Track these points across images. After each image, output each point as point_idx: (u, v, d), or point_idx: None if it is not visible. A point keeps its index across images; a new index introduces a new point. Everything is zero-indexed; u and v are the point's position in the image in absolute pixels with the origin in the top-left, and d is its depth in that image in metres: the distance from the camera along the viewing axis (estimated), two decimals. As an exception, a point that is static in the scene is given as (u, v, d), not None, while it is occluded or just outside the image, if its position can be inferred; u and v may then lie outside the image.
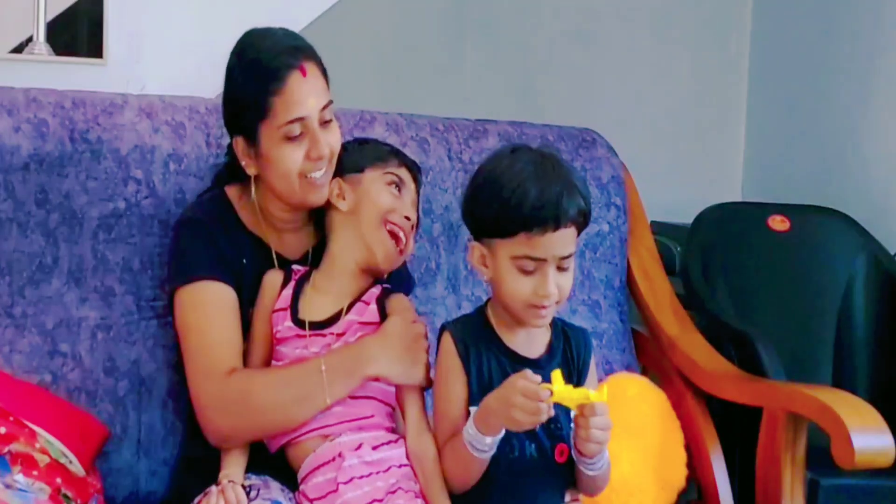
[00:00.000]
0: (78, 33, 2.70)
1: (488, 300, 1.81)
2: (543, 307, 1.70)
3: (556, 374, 1.62)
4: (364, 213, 1.90)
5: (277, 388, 1.82)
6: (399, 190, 1.93)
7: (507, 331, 1.77)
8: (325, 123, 1.89)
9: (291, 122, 1.84)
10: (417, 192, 1.98)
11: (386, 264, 1.90)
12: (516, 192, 1.66)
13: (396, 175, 1.93)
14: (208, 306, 1.88)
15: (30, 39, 2.62)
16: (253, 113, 1.86)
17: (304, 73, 1.85)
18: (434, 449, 1.77)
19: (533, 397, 1.59)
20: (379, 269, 1.91)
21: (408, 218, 1.92)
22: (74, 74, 2.56)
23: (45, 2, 2.61)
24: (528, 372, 1.63)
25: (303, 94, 1.84)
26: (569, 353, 1.80)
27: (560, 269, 1.69)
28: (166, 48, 2.72)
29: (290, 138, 1.85)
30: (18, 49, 2.64)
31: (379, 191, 1.91)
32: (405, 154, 2.00)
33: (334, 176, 1.92)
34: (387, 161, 1.94)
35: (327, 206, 1.93)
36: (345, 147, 1.98)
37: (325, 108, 1.88)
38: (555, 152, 1.75)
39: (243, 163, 1.92)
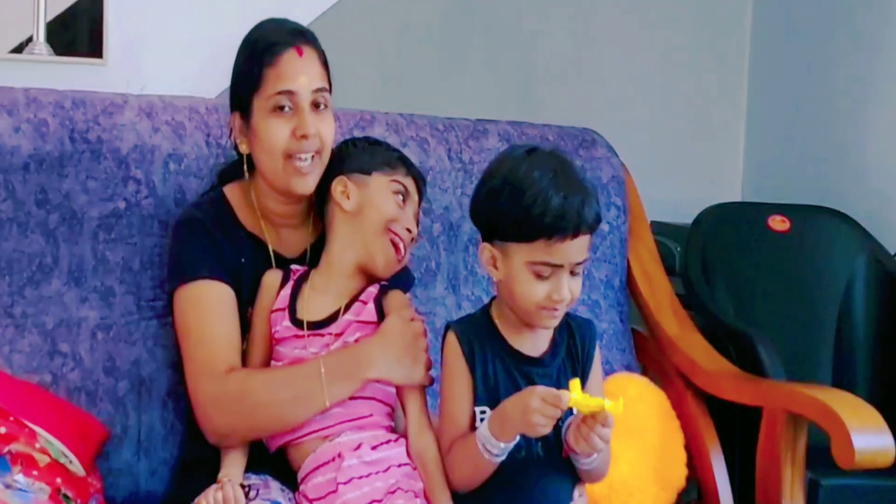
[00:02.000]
0: (78, 33, 2.70)
1: (492, 299, 1.81)
2: (556, 309, 1.71)
3: (575, 383, 1.63)
4: (367, 217, 1.89)
5: (276, 388, 1.82)
6: (404, 200, 1.93)
7: (511, 330, 1.77)
8: (317, 108, 1.90)
9: (280, 93, 1.86)
10: (419, 204, 1.98)
11: (385, 271, 1.90)
12: (538, 199, 1.66)
13: (403, 185, 1.93)
14: (207, 305, 1.88)
15: (30, 39, 2.62)
16: (247, 85, 1.89)
17: (300, 53, 1.88)
18: (435, 447, 1.78)
19: (552, 402, 1.60)
20: (377, 275, 1.91)
21: (409, 230, 1.92)
22: (74, 74, 2.56)
23: (45, 2, 2.61)
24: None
25: (295, 70, 1.87)
26: (572, 347, 1.80)
27: (573, 273, 1.71)
28: (166, 48, 2.72)
29: (277, 110, 1.87)
30: (18, 49, 2.64)
31: (385, 198, 1.91)
32: (413, 164, 2.00)
33: (340, 172, 1.92)
34: (395, 168, 1.94)
35: (329, 202, 1.93)
36: (353, 144, 1.98)
37: (318, 90, 1.89)
38: (567, 156, 1.76)
39: (238, 140, 1.94)
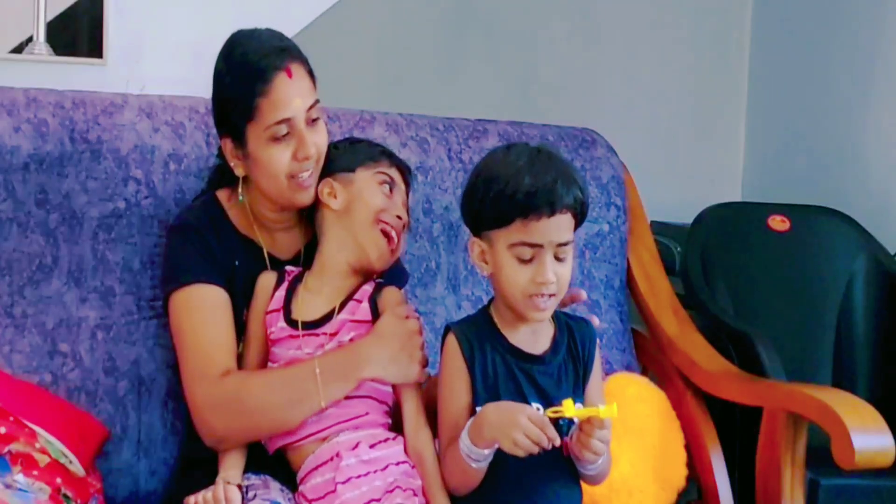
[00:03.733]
0: (78, 33, 2.70)
1: (491, 300, 1.81)
2: (542, 296, 1.70)
3: (568, 403, 1.64)
4: (356, 212, 1.90)
5: (272, 390, 1.82)
6: (391, 190, 1.93)
7: (511, 328, 1.77)
8: (311, 123, 1.89)
9: (278, 122, 1.85)
10: (408, 194, 1.99)
11: (379, 263, 1.90)
12: (511, 180, 1.67)
13: (388, 175, 1.94)
14: (202, 310, 1.88)
15: (30, 39, 2.62)
16: (240, 114, 1.86)
17: (290, 75, 1.85)
18: (431, 446, 1.78)
19: (538, 424, 1.60)
20: (372, 269, 1.90)
21: (399, 217, 1.92)
22: (74, 74, 2.56)
23: (45, 2, 2.61)
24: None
25: (289, 95, 1.85)
26: (573, 348, 1.80)
27: (557, 258, 1.70)
28: (166, 48, 2.72)
29: (276, 139, 1.86)
30: (18, 49, 2.64)
31: (371, 190, 1.91)
32: (396, 155, 2.01)
33: (326, 175, 1.92)
34: (378, 161, 1.95)
35: (318, 205, 1.93)
36: (336, 146, 1.98)
37: (311, 107, 1.89)
38: (551, 147, 1.76)
39: (232, 164, 1.93)
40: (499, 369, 1.75)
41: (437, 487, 1.75)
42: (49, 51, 2.63)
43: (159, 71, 2.70)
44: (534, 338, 1.78)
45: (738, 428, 2.40)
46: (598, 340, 1.83)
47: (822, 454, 1.99)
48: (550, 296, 1.71)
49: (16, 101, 2.08)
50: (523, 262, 1.69)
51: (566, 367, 1.78)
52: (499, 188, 1.68)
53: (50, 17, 2.63)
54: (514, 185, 1.67)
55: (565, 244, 1.70)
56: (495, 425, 1.64)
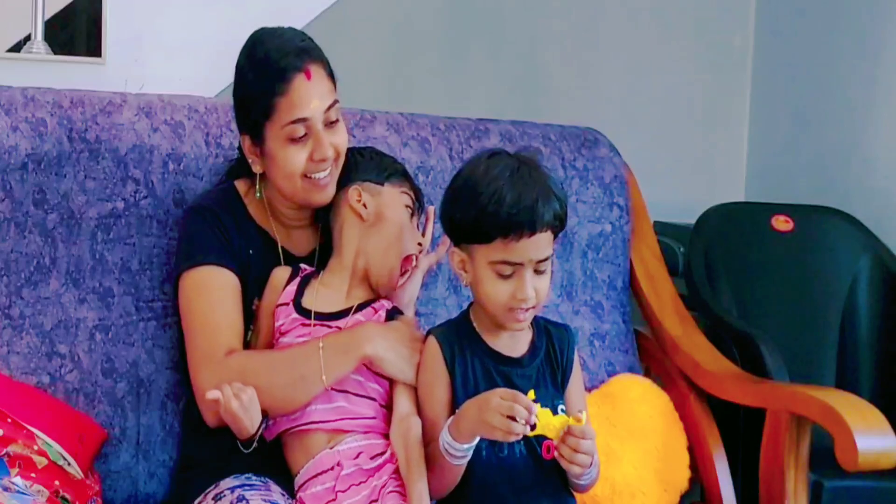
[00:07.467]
0: (76, 32, 2.69)
1: (471, 304, 1.83)
2: (521, 310, 1.71)
3: (542, 412, 1.65)
4: (383, 228, 1.92)
5: (275, 368, 1.82)
6: (412, 214, 1.96)
7: (490, 332, 1.79)
8: (330, 124, 1.90)
9: (294, 122, 1.85)
10: (418, 217, 2.02)
11: (382, 289, 1.93)
12: (493, 198, 1.67)
13: (411, 197, 1.97)
14: (212, 291, 1.89)
15: (28, 38, 2.61)
16: (258, 112, 1.87)
17: (308, 76, 1.86)
18: (419, 429, 1.75)
19: (510, 399, 1.60)
20: (372, 286, 1.92)
21: (420, 244, 1.96)
22: (73, 73, 2.55)
23: (43, 0, 2.60)
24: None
25: (307, 97, 1.85)
26: (552, 352, 1.82)
27: (537, 272, 1.71)
28: (166, 47, 2.71)
29: (293, 139, 1.87)
30: (16, 48, 2.63)
31: (397, 209, 1.94)
32: (411, 177, 2.04)
33: (352, 181, 1.92)
34: (402, 181, 1.98)
35: (335, 207, 1.94)
36: (360, 153, 1.99)
37: (329, 108, 1.89)
38: (533, 157, 1.76)
39: (250, 160, 1.94)
40: (478, 373, 1.76)
41: (417, 467, 1.71)
42: (47, 49, 2.62)
43: (158, 70, 2.69)
44: (513, 342, 1.80)
45: (741, 429, 2.40)
46: (576, 346, 1.84)
47: (825, 456, 1.99)
48: (530, 308, 1.72)
49: (14, 100, 2.07)
50: (503, 277, 1.70)
51: (544, 370, 1.79)
52: (480, 205, 1.68)
53: (48, 15, 2.62)
54: (495, 203, 1.66)
55: (545, 260, 1.71)
56: (474, 417, 1.64)
